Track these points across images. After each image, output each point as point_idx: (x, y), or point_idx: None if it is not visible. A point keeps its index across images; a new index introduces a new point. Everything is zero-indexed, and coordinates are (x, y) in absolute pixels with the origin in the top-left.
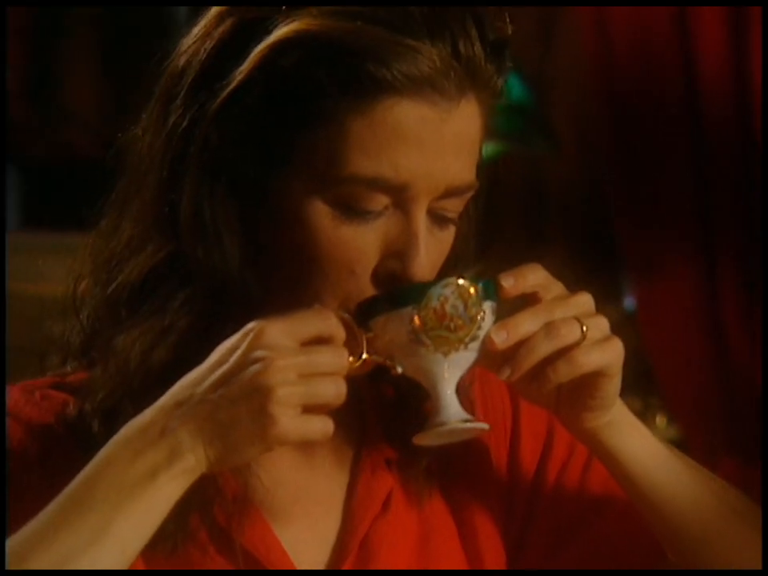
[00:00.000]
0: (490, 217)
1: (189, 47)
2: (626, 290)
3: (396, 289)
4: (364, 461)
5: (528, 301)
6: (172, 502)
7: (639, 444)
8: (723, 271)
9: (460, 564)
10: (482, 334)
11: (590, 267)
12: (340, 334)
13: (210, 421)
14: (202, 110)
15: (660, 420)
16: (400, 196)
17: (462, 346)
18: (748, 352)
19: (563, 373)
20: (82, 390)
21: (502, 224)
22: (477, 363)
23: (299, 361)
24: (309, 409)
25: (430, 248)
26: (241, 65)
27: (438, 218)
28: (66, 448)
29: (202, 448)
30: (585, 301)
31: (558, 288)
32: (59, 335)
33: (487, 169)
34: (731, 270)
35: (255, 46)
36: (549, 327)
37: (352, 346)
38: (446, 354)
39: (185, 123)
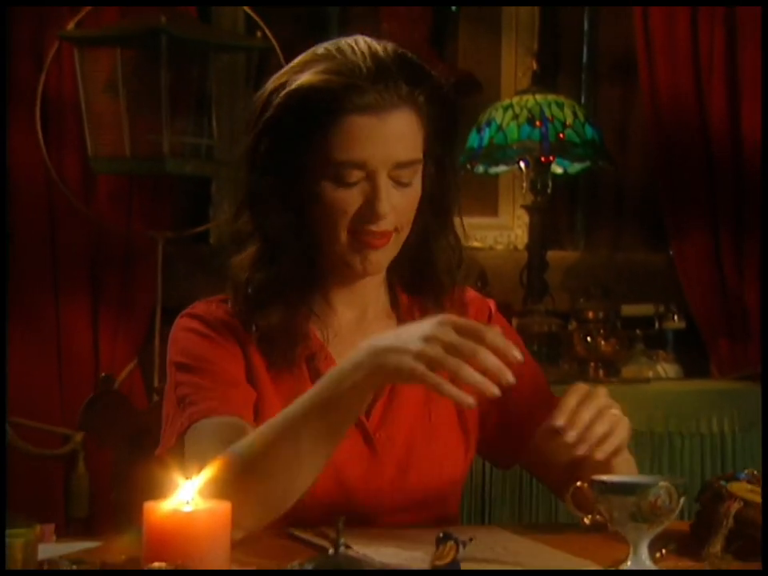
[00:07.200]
0: (593, 208)
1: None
2: (669, 244)
3: (625, 482)
4: None
5: None
6: (366, 402)
7: (624, 457)
8: (723, 234)
9: (452, 417)
10: (674, 517)
11: (650, 233)
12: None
13: (385, 351)
14: (257, 132)
15: (677, 318)
16: (366, 169)
17: (661, 526)
18: (737, 279)
19: (606, 451)
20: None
21: (599, 210)
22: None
23: (453, 339)
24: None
25: (393, 199)
26: (270, 107)
27: (397, 183)
28: (237, 331)
29: (375, 367)
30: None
31: None
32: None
33: (582, 179)
34: (728, 234)
35: (278, 95)
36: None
37: (588, 508)
38: (649, 528)
39: (251, 142)
